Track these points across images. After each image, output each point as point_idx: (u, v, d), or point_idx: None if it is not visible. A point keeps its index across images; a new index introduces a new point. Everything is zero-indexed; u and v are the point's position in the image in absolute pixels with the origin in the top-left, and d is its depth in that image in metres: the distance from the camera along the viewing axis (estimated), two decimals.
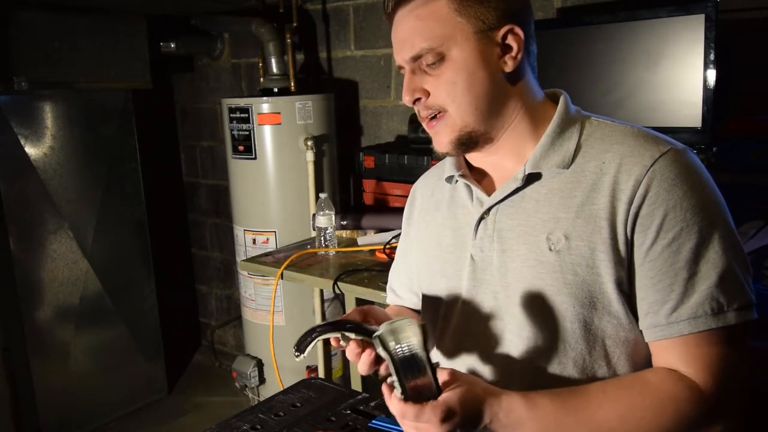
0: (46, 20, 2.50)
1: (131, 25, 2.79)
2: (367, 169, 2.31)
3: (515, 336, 0.90)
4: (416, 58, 0.90)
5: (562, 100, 0.95)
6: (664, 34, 1.66)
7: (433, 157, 2.09)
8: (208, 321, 3.70)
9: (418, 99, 0.92)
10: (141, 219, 3.00)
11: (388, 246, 1.99)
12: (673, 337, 0.83)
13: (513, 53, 0.89)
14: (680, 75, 1.66)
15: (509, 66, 0.89)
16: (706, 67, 1.60)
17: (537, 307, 0.88)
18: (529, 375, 0.90)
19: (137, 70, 2.83)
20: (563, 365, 0.88)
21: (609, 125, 0.92)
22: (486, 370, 0.94)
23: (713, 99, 1.61)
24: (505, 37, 0.88)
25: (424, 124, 0.95)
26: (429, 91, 0.91)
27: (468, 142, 0.92)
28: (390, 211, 2.19)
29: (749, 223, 1.59)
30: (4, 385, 2.59)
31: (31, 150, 2.57)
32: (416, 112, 0.95)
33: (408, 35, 0.89)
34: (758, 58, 1.76)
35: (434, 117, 0.92)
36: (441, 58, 0.88)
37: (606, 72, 1.78)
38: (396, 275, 1.21)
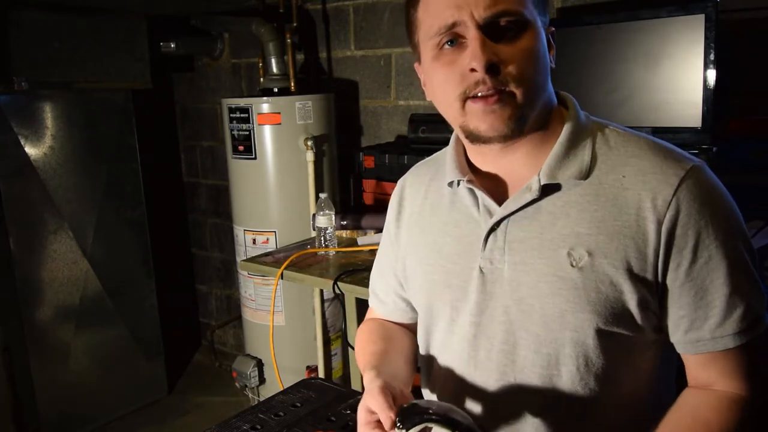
0: (46, 20, 2.50)
1: (131, 25, 2.79)
2: (367, 169, 2.31)
3: (531, 352, 0.87)
4: (496, 17, 0.80)
5: (572, 105, 0.92)
6: (664, 34, 1.66)
7: None
8: (208, 321, 3.70)
9: (492, 67, 0.79)
10: (141, 219, 3.00)
11: None
12: (716, 351, 0.84)
13: (554, 53, 0.89)
14: (680, 75, 1.66)
15: (553, 63, 0.89)
16: (706, 67, 1.60)
17: (557, 323, 0.84)
18: (548, 390, 0.88)
19: (137, 70, 2.83)
20: (585, 381, 0.86)
21: (621, 134, 0.89)
22: (498, 385, 0.91)
23: (713, 99, 1.61)
24: (549, 36, 0.89)
25: (470, 102, 0.82)
26: (505, 60, 0.80)
27: (520, 127, 0.84)
28: None
29: (749, 223, 1.59)
30: (4, 385, 2.59)
31: (31, 150, 2.57)
32: (470, 85, 0.81)
33: None
34: (758, 58, 1.76)
35: (498, 92, 0.81)
36: (522, 28, 0.81)
37: (606, 72, 1.78)
38: (380, 277, 1.14)
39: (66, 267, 2.72)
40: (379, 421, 0.81)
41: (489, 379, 0.91)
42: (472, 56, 0.80)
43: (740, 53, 1.75)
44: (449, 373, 0.97)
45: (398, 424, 0.78)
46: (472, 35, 0.80)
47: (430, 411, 0.77)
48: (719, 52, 1.58)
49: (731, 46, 1.67)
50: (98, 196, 2.81)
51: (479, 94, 0.81)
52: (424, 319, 1.02)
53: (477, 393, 0.92)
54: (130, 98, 2.88)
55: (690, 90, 1.64)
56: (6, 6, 2.38)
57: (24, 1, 2.43)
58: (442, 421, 0.76)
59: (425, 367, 1.04)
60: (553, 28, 0.90)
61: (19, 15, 2.42)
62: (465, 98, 0.83)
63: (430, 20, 0.84)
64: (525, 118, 0.83)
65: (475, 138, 0.86)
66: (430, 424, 0.77)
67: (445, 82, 0.84)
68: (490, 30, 0.80)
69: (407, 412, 0.79)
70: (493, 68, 0.79)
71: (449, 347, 0.96)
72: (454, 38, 0.82)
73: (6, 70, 2.41)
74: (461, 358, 0.94)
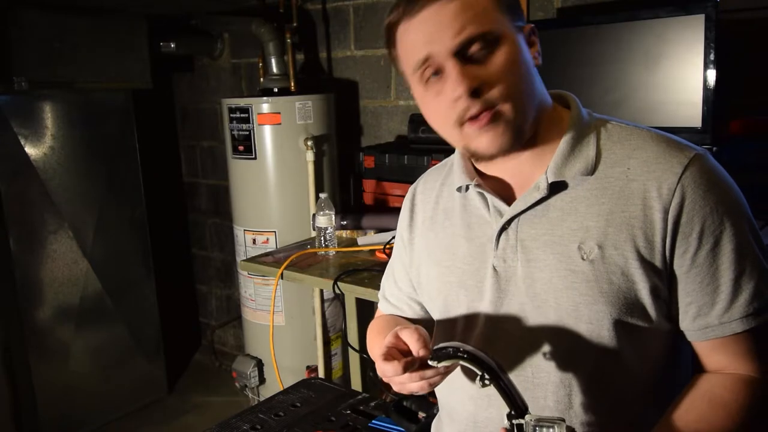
0: (46, 20, 2.50)
1: (131, 25, 2.78)
2: (367, 169, 2.31)
3: (549, 346, 0.89)
4: (466, 45, 0.82)
5: (574, 103, 0.94)
6: (664, 34, 1.66)
7: (433, 157, 2.09)
8: (208, 321, 3.70)
9: (475, 91, 0.82)
10: (141, 219, 3.00)
11: (388, 246, 1.99)
12: (725, 336, 0.85)
13: (538, 49, 0.90)
14: (680, 75, 1.66)
15: (539, 60, 0.89)
16: (706, 67, 1.60)
17: (573, 317, 0.86)
18: (566, 384, 0.89)
19: (137, 70, 2.83)
20: (602, 373, 0.87)
21: (625, 128, 0.91)
22: (516, 381, 0.90)
23: (713, 99, 1.61)
24: (529, 34, 0.90)
25: (466, 125, 0.85)
26: (486, 80, 0.82)
27: (518, 138, 0.86)
28: (390, 211, 2.19)
29: None
30: (4, 385, 2.59)
31: (31, 150, 2.57)
32: (460, 111, 0.84)
33: (453, 22, 0.81)
34: (758, 58, 1.76)
35: (485, 113, 0.83)
36: (494, 44, 0.82)
37: (606, 72, 1.78)
38: (392, 284, 1.16)
39: (66, 267, 2.72)
40: (400, 350, 0.84)
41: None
42: (453, 86, 0.83)
43: (740, 53, 1.75)
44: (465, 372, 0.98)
45: (431, 357, 0.82)
46: (449, 65, 0.83)
47: (461, 350, 0.81)
48: (719, 52, 1.58)
49: (731, 46, 1.66)
50: (98, 196, 2.81)
51: (471, 116, 0.84)
52: (440, 320, 1.03)
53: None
54: (130, 98, 2.88)
55: (690, 90, 1.64)
56: (6, 6, 2.38)
57: (24, 1, 2.43)
58: (471, 358, 0.80)
59: None
60: (532, 25, 0.91)
61: (19, 15, 2.42)
62: (461, 123, 0.86)
63: (408, 57, 0.87)
64: (520, 129, 0.86)
65: (479, 157, 0.90)
66: (461, 362, 0.81)
67: (438, 112, 0.88)
68: (465, 54, 0.83)
69: (439, 349, 0.83)
70: (476, 92, 0.82)
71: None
72: (435, 70, 0.85)
73: (6, 70, 2.40)
74: None
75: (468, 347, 0.82)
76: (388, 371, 0.82)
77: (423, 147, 2.20)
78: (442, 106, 0.86)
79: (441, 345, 0.84)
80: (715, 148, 1.61)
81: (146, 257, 3.05)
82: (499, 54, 0.83)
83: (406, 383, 0.84)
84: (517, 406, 0.79)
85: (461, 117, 0.84)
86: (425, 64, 0.85)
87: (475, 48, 0.82)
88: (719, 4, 1.57)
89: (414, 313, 1.13)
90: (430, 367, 0.82)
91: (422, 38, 0.84)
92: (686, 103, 1.65)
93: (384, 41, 0.93)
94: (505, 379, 0.81)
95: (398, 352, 0.85)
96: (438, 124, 0.91)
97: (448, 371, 0.85)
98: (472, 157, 0.92)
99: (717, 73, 1.59)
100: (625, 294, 0.84)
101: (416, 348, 0.83)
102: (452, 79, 0.83)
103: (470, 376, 0.84)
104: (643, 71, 1.72)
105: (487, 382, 0.80)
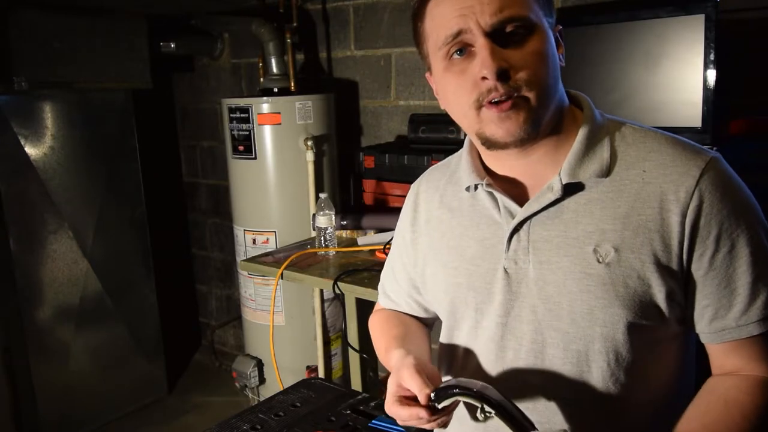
0: (46, 20, 2.50)
1: (131, 25, 2.79)
2: (367, 169, 2.31)
3: (560, 350, 0.88)
4: (502, 23, 0.80)
5: (587, 104, 0.93)
6: (664, 34, 1.66)
7: (433, 157, 2.09)
8: (208, 321, 3.70)
9: (503, 73, 0.80)
10: (141, 219, 3.00)
11: (388, 246, 1.99)
12: (741, 338, 0.85)
13: (563, 51, 0.90)
14: (680, 75, 1.66)
15: (563, 62, 0.89)
16: (706, 67, 1.60)
17: (587, 320, 0.85)
18: (579, 387, 0.88)
19: (137, 70, 2.83)
20: (615, 376, 0.87)
21: (638, 130, 0.90)
22: (527, 386, 0.91)
23: (713, 99, 1.61)
24: (557, 36, 0.89)
25: (485, 109, 0.83)
26: (515, 65, 0.81)
27: (535, 129, 0.84)
28: (390, 211, 2.19)
29: None
30: (4, 385, 2.59)
31: (31, 150, 2.57)
32: (483, 92, 0.82)
33: (493, 0, 0.80)
34: (758, 58, 1.76)
35: (509, 98, 0.81)
36: (528, 32, 0.82)
37: (606, 72, 1.78)
38: (393, 280, 1.14)
39: (66, 267, 2.72)
40: (407, 396, 0.85)
41: (517, 379, 0.91)
42: (482, 64, 0.80)
43: (740, 53, 1.75)
44: (475, 375, 0.97)
45: (432, 399, 0.83)
46: (480, 43, 0.81)
47: (461, 386, 0.82)
48: (719, 52, 1.58)
49: (731, 46, 1.66)
50: (98, 196, 2.81)
51: (493, 101, 0.82)
52: (447, 321, 1.02)
53: (505, 392, 0.92)
54: (130, 98, 2.88)
55: (690, 90, 1.64)
56: (6, 6, 2.38)
57: (24, 1, 2.43)
58: (471, 394, 0.81)
59: (447, 368, 1.04)
60: (561, 27, 0.91)
61: (19, 15, 2.42)
62: (479, 105, 0.83)
63: (437, 31, 0.85)
64: (539, 120, 0.84)
65: (491, 144, 0.87)
66: (460, 398, 0.81)
67: (458, 92, 0.85)
68: (497, 36, 0.81)
69: (440, 389, 0.84)
70: (503, 75, 0.80)
71: (475, 348, 0.97)
72: (462, 47, 0.83)
73: (6, 70, 2.40)
74: (488, 359, 0.94)
75: (466, 382, 0.83)
76: (404, 417, 0.85)
77: (423, 147, 2.20)
78: (464, 85, 0.83)
79: (441, 386, 0.84)
80: (715, 148, 1.61)
81: (146, 257, 3.05)
82: (531, 42, 0.82)
83: (421, 424, 0.86)
84: (524, 428, 0.79)
85: (482, 98, 0.82)
86: (455, 40, 0.83)
87: (510, 30, 0.81)
88: (719, 4, 1.57)
89: (411, 310, 1.13)
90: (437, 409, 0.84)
91: (457, 12, 0.81)
92: (686, 103, 1.65)
93: (411, 13, 0.91)
94: (507, 406, 0.80)
95: (406, 398, 0.86)
96: (455, 104, 0.88)
97: (450, 410, 0.86)
98: (485, 143, 0.87)
99: (717, 73, 1.59)
100: (641, 297, 0.84)
101: (420, 395, 0.84)
102: (482, 57, 0.80)
103: (472, 410, 0.83)
104: (644, 71, 1.72)
105: (488, 413, 0.79)
